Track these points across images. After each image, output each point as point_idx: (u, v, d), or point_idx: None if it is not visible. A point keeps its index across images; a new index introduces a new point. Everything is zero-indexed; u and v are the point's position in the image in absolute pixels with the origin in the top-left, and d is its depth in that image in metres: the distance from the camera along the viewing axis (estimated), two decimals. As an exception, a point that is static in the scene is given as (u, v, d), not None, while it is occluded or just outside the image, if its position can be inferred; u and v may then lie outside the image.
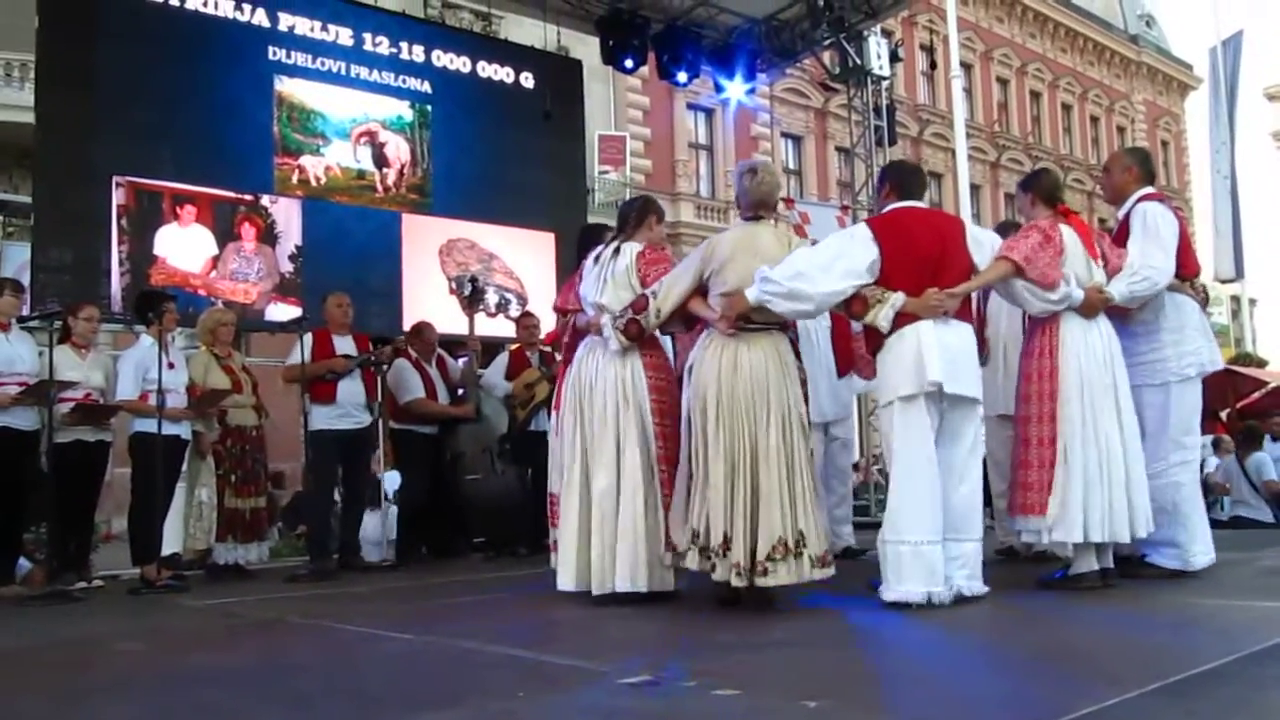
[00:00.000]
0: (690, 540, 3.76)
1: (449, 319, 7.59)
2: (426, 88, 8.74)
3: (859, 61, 10.53)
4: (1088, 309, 4.00)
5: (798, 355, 3.94)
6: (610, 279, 4.16)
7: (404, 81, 8.62)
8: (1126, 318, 4.23)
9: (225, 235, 7.50)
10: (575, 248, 4.96)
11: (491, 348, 7.85)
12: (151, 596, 5.25)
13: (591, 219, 9.95)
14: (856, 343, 4.93)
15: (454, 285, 8.31)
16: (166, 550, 5.79)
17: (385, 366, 6.69)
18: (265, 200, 7.75)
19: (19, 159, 12.94)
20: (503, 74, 9.24)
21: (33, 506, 5.59)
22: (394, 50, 8.59)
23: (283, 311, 7.54)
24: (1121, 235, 4.33)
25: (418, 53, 8.74)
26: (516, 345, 7.23)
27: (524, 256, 9.07)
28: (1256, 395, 12.47)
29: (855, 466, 8.30)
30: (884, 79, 10.88)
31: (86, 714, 2.65)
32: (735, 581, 3.63)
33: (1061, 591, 3.95)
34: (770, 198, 4.07)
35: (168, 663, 3.41)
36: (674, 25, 9.67)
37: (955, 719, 2.27)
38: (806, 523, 3.67)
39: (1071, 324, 4.00)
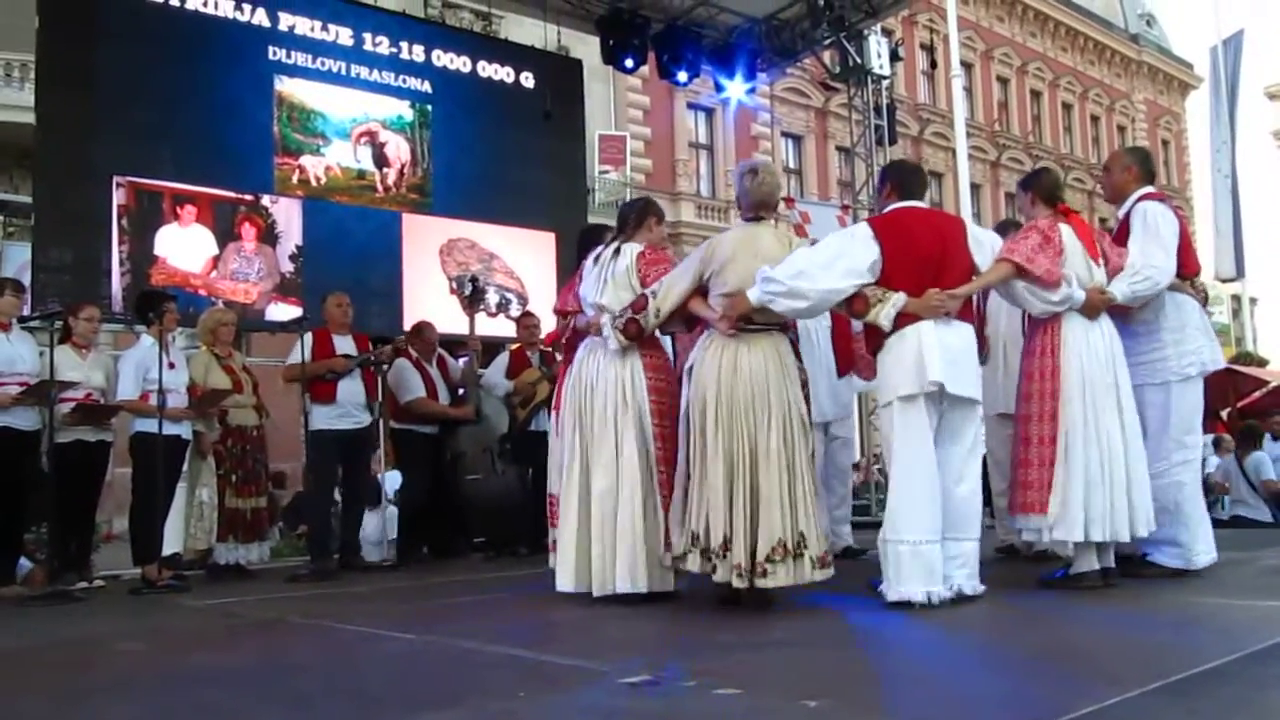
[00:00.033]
0: (691, 542, 3.76)
1: (449, 319, 7.59)
2: (427, 87, 8.74)
3: (859, 61, 10.54)
4: (1090, 309, 4.00)
5: (798, 356, 3.94)
6: (610, 280, 4.15)
7: (404, 81, 8.62)
8: (1127, 317, 4.23)
9: (225, 235, 7.51)
10: (575, 248, 4.95)
11: (492, 347, 7.84)
12: (152, 596, 5.26)
13: (592, 219, 9.97)
14: (857, 343, 4.93)
15: (454, 285, 8.31)
16: (167, 550, 5.79)
17: (385, 366, 6.69)
18: (265, 200, 7.75)
19: (19, 159, 12.93)
20: (503, 74, 9.24)
21: (33, 506, 5.59)
22: (394, 50, 8.59)
23: (283, 311, 7.54)
24: (1121, 235, 4.33)
25: (418, 52, 8.74)
26: (517, 345, 7.22)
27: (524, 256, 9.07)
28: (1257, 394, 12.49)
29: (855, 466, 8.30)
30: (884, 78, 10.88)
31: (87, 714, 2.65)
32: (736, 583, 3.63)
33: (1062, 590, 3.95)
34: (771, 199, 4.07)
35: (168, 663, 3.41)
36: (674, 25, 9.67)
37: (956, 718, 2.27)
38: (807, 524, 3.66)
39: (1074, 323, 3.99)
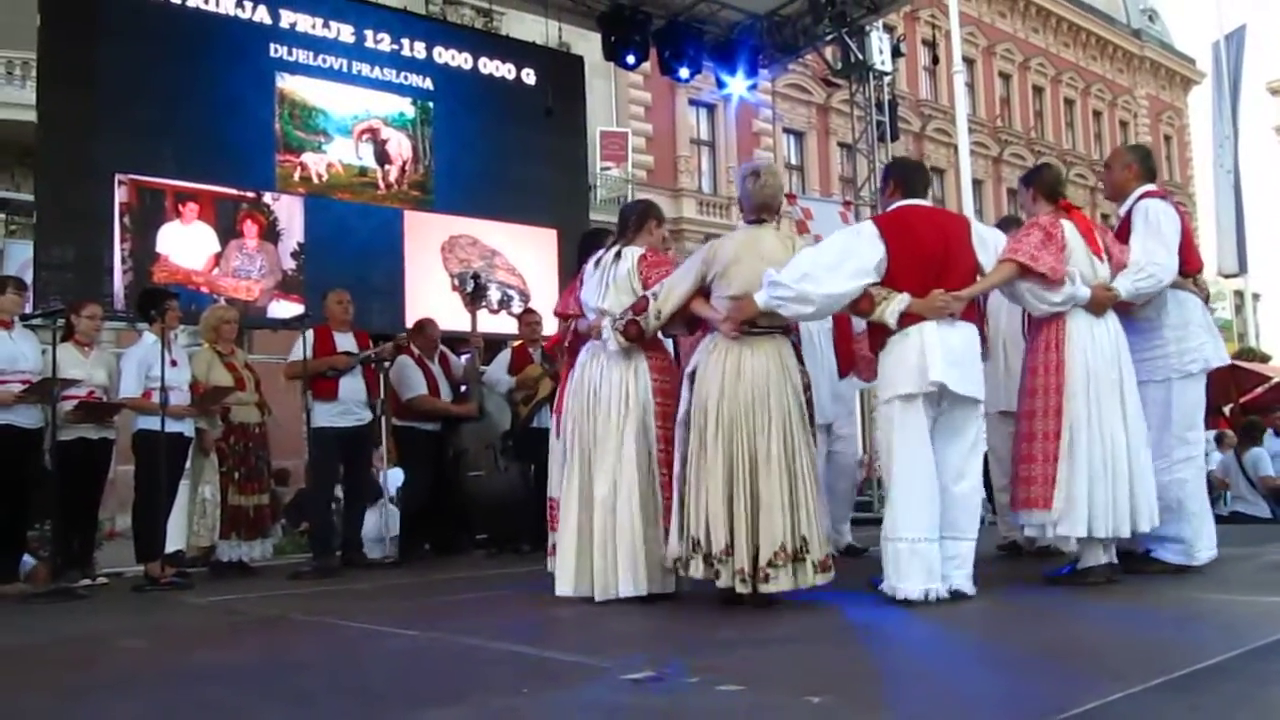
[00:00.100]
0: (692, 548, 3.74)
1: (451, 316, 7.58)
2: (428, 84, 8.74)
3: (861, 57, 10.53)
4: (1095, 307, 4.00)
5: (800, 359, 3.92)
6: (612, 284, 4.13)
7: (405, 78, 8.62)
8: (1129, 314, 4.22)
9: (227, 232, 7.52)
10: (576, 251, 4.94)
11: (494, 344, 7.84)
12: (155, 594, 5.26)
13: (593, 215, 9.97)
14: (858, 344, 4.92)
15: (456, 282, 8.31)
16: (170, 547, 5.79)
17: (387, 363, 6.69)
18: (267, 197, 7.75)
19: (21, 157, 12.94)
20: (504, 70, 9.24)
21: (36, 504, 5.61)
22: (395, 47, 8.59)
23: (285, 308, 7.55)
24: (1123, 232, 4.33)
25: (419, 49, 8.74)
26: (519, 342, 7.22)
27: (526, 253, 9.07)
28: (1260, 390, 12.48)
29: (859, 463, 8.28)
30: (886, 74, 10.88)
31: (90, 711, 2.65)
32: (739, 588, 3.62)
33: (1066, 587, 3.95)
34: (773, 201, 4.04)
35: (171, 660, 3.42)
36: (675, 21, 9.66)
37: (958, 715, 2.27)
38: (809, 528, 3.64)
39: (1078, 319, 3.99)
